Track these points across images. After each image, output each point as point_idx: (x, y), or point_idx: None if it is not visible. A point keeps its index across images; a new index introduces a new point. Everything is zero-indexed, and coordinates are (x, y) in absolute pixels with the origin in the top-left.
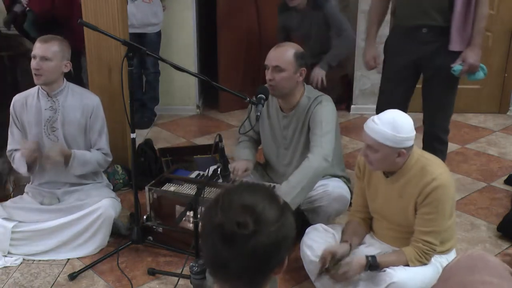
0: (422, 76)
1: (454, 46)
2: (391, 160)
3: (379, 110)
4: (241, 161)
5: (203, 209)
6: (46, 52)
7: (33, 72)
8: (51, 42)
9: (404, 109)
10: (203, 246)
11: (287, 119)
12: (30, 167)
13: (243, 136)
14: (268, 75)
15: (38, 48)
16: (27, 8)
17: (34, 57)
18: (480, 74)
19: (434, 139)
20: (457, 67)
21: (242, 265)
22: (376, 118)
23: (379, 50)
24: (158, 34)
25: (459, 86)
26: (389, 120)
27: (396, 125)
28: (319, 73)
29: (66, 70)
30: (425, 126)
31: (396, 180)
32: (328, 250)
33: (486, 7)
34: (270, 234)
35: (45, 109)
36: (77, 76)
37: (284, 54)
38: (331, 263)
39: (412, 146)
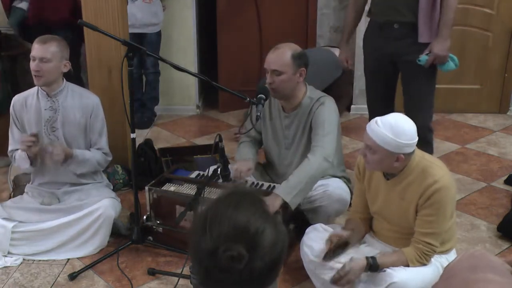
0: (400, 75)
1: (422, 38)
2: (388, 164)
3: (368, 106)
4: (242, 161)
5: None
6: (45, 53)
7: (33, 73)
8: (50, 42)
9: (390, 105)
10: (195, 265)
11: (289, 119)
12: (32, 161)
13: (245, 137)
14: (268, 78)
15: (37, 50)
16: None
17: (34, 59)
18: (451, 65)
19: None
20: (423, 57)
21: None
22: (379, 120)
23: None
24: (158, 34)
25: (460, 86)
26: (391, 124)
27: (398, 130)
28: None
29: (65, 70)
30: None
31: (397, 183)
32: (334, 233)
33: None
34: (264, 257)
35: (45, 109)
36: (77, 76)
37: (281, 57)
38: (337, 246)
39: (412, 153)
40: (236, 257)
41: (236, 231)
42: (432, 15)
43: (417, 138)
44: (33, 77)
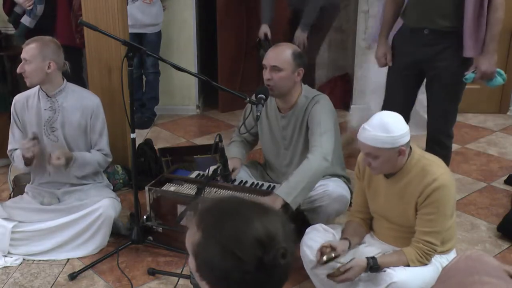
0: (425, 80)
1: (468, 52)
2: (394, 161)
3: (385, 108)
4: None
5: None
6: (25, 54)
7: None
8: (31, 44)
9: (408, 109)
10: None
11: (286, 120)
12: (28, 161)
13: (236, 137)
14: (266, 75)
15: (22, 52)
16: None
17: (21, 60)
18: (499, 80)
19: (435, 143)
20: (469, 75)
21: (283, 279)
22: (366, 125)
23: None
24: (158, 34)
25: None
26: (379, 123)
27: (387, 126)
28: (300, 36)
29: (49, 71)
30: (428, 130)
31: (397, 181)
32: (328, 242)
33: (501, 11)
34: (290, 239)
35: (45, 110)
36: (78, 76)
37: (282, 54)
38: (329, 256)
39: (409, 141)
40: (285, 254)
41: (265, 236)
42: (479, 29)
43: (408, 127)
44: None
